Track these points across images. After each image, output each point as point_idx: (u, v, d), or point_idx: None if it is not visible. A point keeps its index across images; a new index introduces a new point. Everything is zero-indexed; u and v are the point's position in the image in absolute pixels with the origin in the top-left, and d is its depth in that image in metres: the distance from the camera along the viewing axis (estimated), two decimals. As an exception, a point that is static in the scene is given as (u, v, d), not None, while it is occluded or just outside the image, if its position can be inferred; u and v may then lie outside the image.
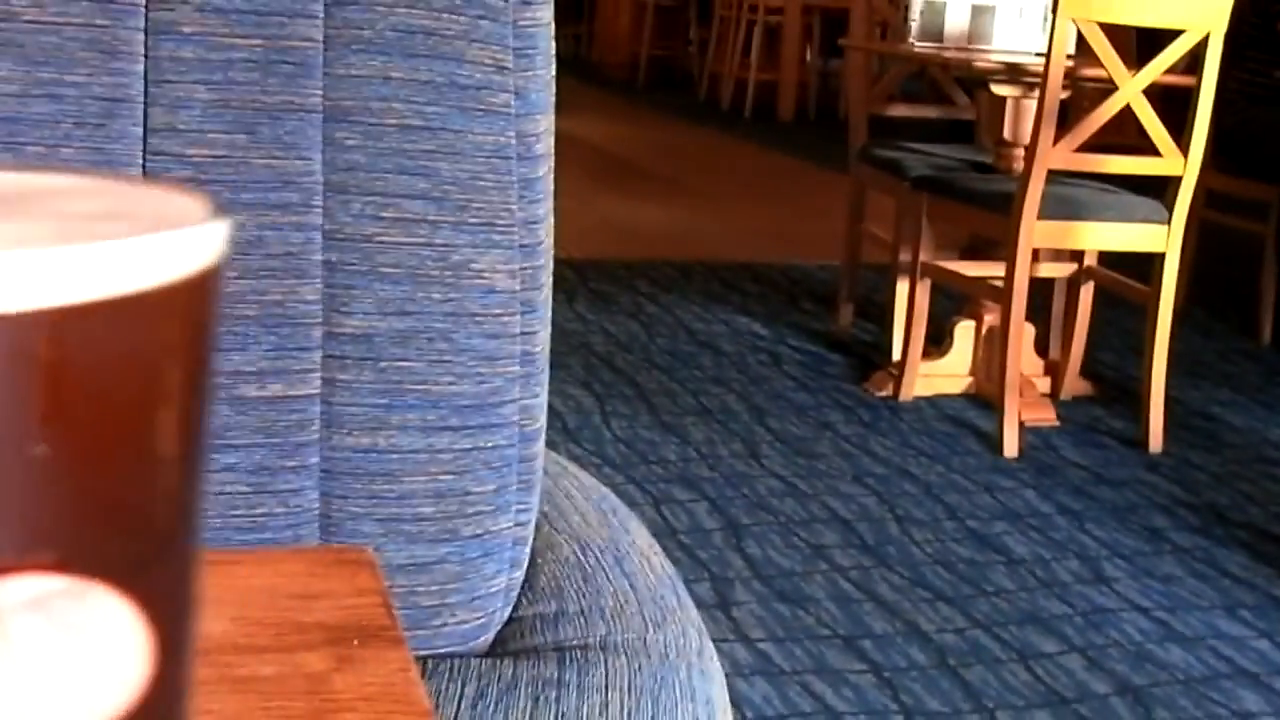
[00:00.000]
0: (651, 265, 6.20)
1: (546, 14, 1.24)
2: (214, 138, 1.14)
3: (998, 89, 4.52)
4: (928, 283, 4.59)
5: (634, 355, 4.92)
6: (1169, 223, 4.31)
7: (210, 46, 1.13)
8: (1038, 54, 4.27)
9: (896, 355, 4.75)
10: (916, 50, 4.67)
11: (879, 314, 5.33)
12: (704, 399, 4.52)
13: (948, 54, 4.60)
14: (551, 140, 1.26)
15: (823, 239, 6.25)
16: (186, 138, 1.14)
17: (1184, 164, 4.26)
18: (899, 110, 5.36)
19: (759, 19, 12.05)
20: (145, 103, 1.13)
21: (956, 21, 4.71)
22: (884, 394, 4.66)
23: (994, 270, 4.41)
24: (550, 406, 4.08)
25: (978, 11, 4.73)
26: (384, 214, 1.17)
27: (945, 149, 4.96)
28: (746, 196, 8.59)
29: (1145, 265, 4.37)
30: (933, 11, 4.66)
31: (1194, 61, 4.23)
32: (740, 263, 6.41)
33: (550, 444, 3.99)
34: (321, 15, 1.15)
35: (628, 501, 3.61)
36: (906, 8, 4.71)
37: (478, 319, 1.20)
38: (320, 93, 1.15)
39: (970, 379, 4.75)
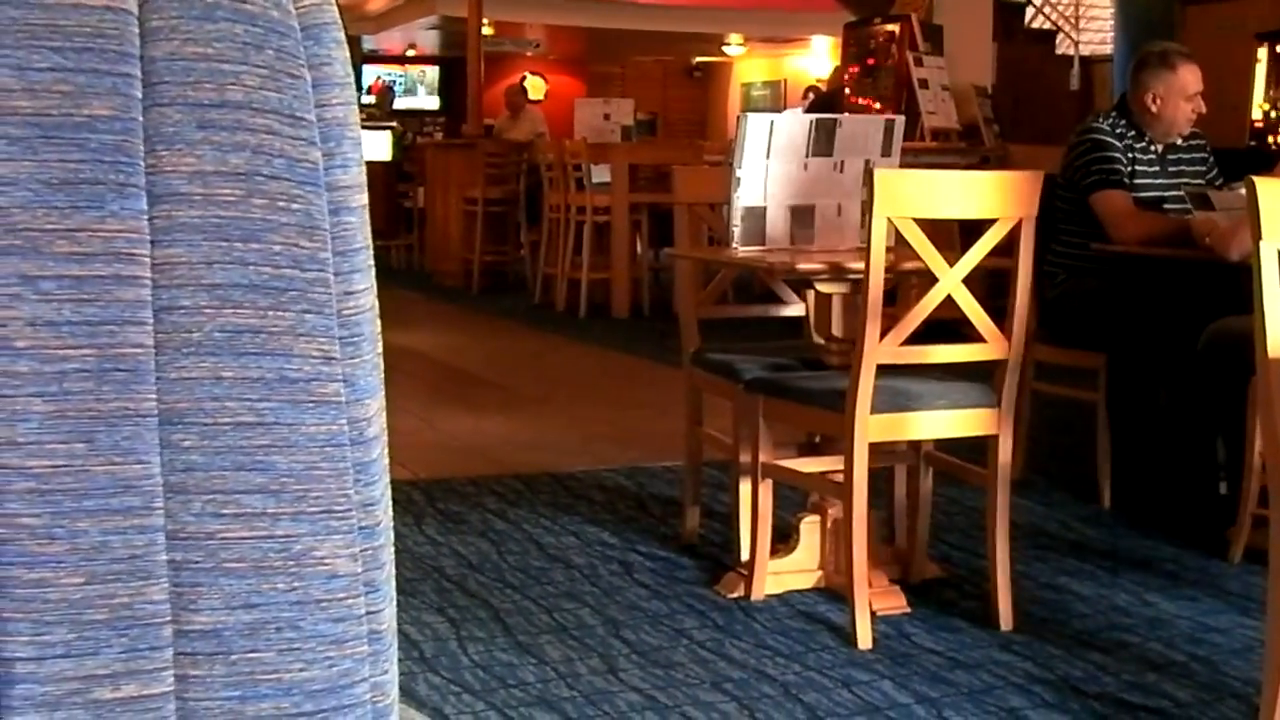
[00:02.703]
0: (498, 480, 6.22)
1: (369, 299, 1.28)
2: (53, 448, 1.16)
3: (822, 287, 4.63)
4: (770, 482, 4.65)
5: (486, 575, 4.93)
6: (999, 405, 4.42)
7: (44, 359, 1.16)
8: (860, 248, 4.37)
9: (745, 555, 4.79)
10: (740, 256, 4.77)
11: (725, 514, 5.38)
12: (558, 615, 4.53)
13: (771, 258, 4.69)
14: (383, 419, 1.30)
15: (666, 438, 6.31)
16: (26, 450, 1.16)
17: (1008, 347, 4.37)
18: (730, 312, 5.46)
19: (587, 219, 12.20)
20: (-18, 418, 1.15)
21: (777, 224, 4.81)
22: (736, 595, 4.69)
23: (834, 464, 4.48)
24: (405, 635, 4.09)
25: (797, 213, 4.84)
26: (224, 511, 1.19)
27: (777, 347, 5.05)
28: (587, 400, 8.65)
29: (982, 444, 4.47)
30: (753, 216, 4.76)
31: (1012, 245, 4.36)
32: (585, 470, 6.45)
33: (408, 674, 4.00)
34: (151, 321, 1.18)
35: (489, 730, 3.62)
36: (729, 214, 4.80)
37: (323, 605, 1.23)
38: (154, 397, 1.18)
39: (820, 573, 4.80)
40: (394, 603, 1.32)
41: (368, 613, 1.26)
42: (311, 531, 1.21)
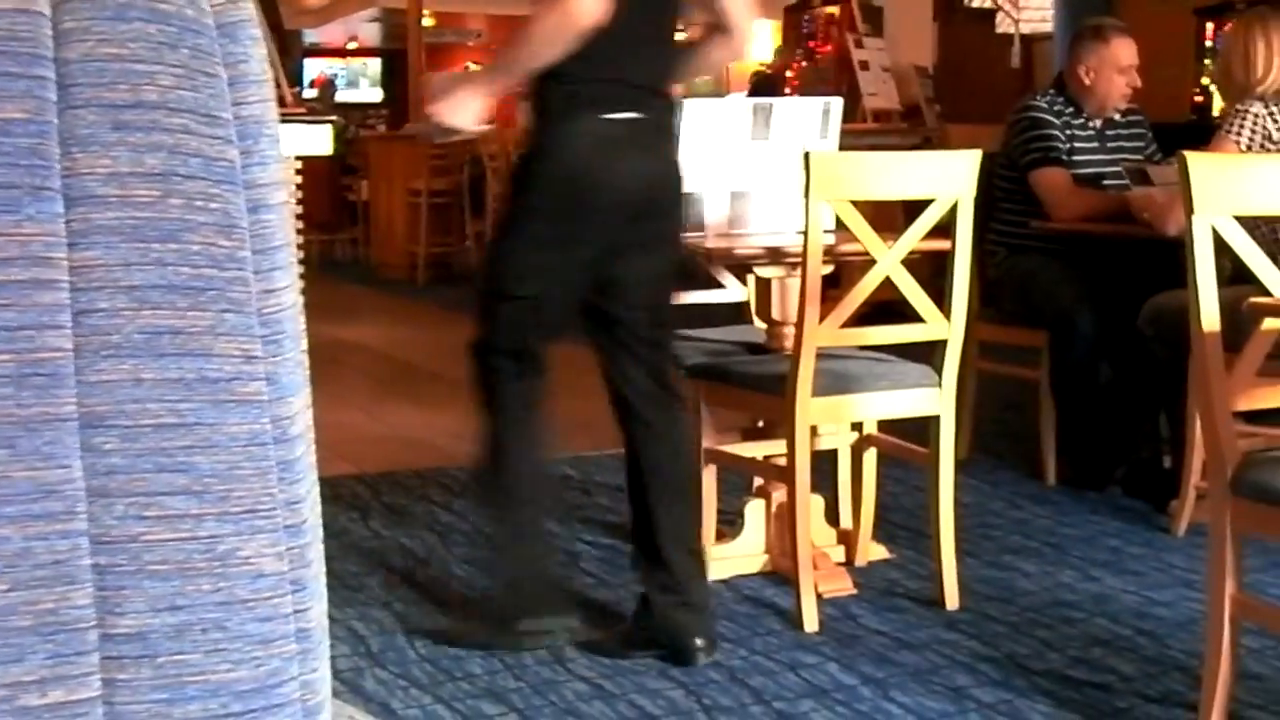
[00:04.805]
0: (444, 472, 6.20)
1: (291, 297, 1.28)
2: (-28, 457, 1.16)
3: (761, 271, 4.63)
4: (713, 467, 4.65)
5: (433, 568, 4.92)
6: (940, 385, 4.43)
7: (-39, 368, 1.15)
8: (799, 232, 4.38)
9: (691, 541, 4.79)
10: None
11: (672, 499, 5.38)
12: (506, 606, 4.53)
13: (710, 243, 4.70)
14: (308, 416, 1.30)
15: (611, 426, 6.27)
16: (-54, 459, 1.16)
17: (948, 327, 4.39)
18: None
19: (531, 209, 12.15)
20: (-97, 427, 1.15)
21: (716, 209, 4.81)
22: (683, 581, 4.70)
23: (777, 448, 4.49)
24: (352, 630, 4.08)
25: (736, 198, 4.84)
26: (147, 513, 1.19)
27: (719, 332, 5.04)
28: (533, 389, 8.62)
29: (926, 424, 4.48)
30: (692, 202, 4.76)
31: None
32: (532, 459, 6.44)
33: (355, 670, 3.99)
34: (69, 325, 1.18)
35: (437, 723, 3.62)
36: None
37: (249, 604, 1.23)
38: (74, 401, 1.18)
39: (765, 557, 4.81)
40: (324, 600, 1.31)
41: (295, 611, 1.26)
42: (236, 531, 1.21)
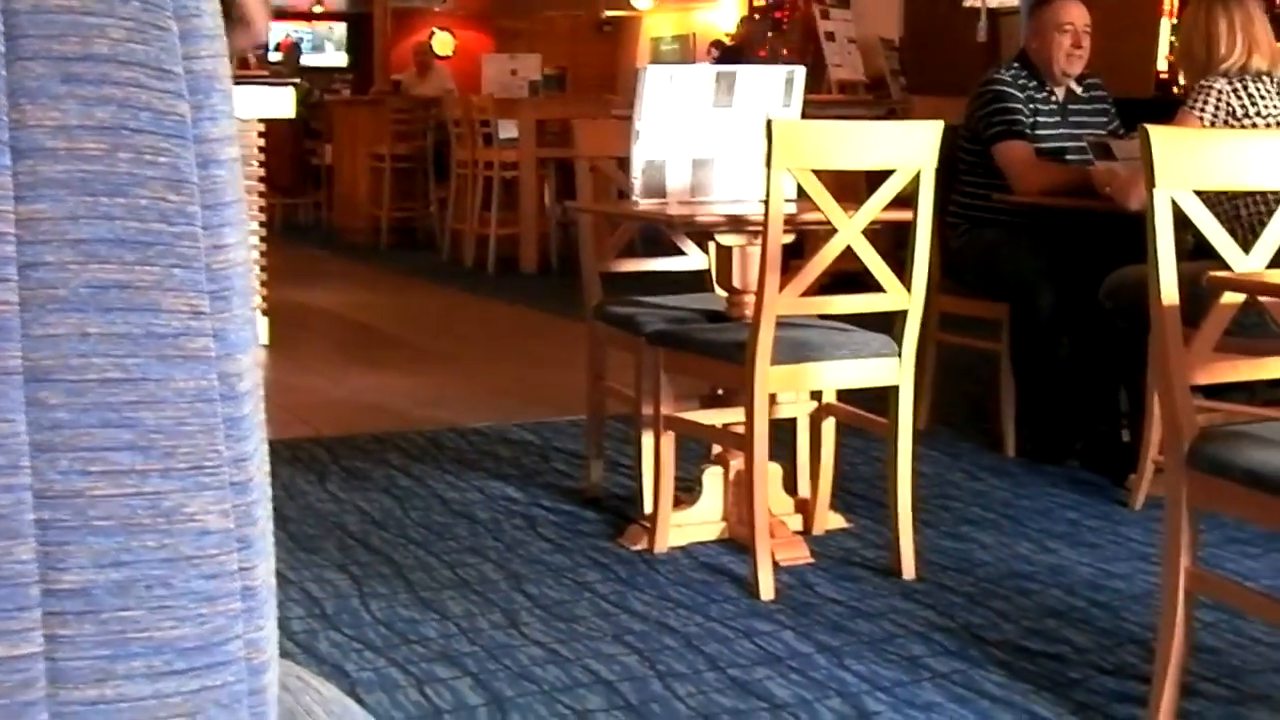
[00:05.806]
0: (403, 436, 6.20)
1: (241, 253, 1.27)
2: (-84, 408, 1.15)
3: (722, 239, 4.63)
4: (672, 435, 4.65)
5: (389, 531, 4.91)
6: (900, 355, 4.44)
7: (-94, 318, 1.14)
8: (761, 200, 4.38)
9: (648, 508, 4.79)
10: (640, 209, 4.76)
11: (629, 467, 5.39)
12: (461, 571, 4.52)
13: (670, 210, 4.69)
14: (256, 375, 1.29)
15: (572, 393, 6.29)
16: (-112, 410, 1.15)
17: (909, 297, 4.39)
18: (635, 265, 5.44)
19: (495, 174, 12.15)
20: None
21: (678, 176, 4.81)
22: (639, 548, 4.70)
23: (736, 416, 4.49)
24: (307, 592, 4.08)
25: (698, 165, 4.84)
26: (92, 468, 1.18)
27: (680, 300, 5.04)
28: (494, 356, 8.63)
29: (885, 394, 4.49)
30: (654, 169, 4.76)
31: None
32: (490, 425, 6.44)
33: (309, 631, 3.99)
34: (15, 278, 1.17)
35: (390, 685, 3.63)
36: (629, 167, 4.80)
37: (194, 561, 1.22)
38: (19, 355, 1.17)
39: (723, 524, 4.81)
40: (271, 559, 1.30)
41: (240, 569, 1.25)
42: (181, 488, 1.20)
